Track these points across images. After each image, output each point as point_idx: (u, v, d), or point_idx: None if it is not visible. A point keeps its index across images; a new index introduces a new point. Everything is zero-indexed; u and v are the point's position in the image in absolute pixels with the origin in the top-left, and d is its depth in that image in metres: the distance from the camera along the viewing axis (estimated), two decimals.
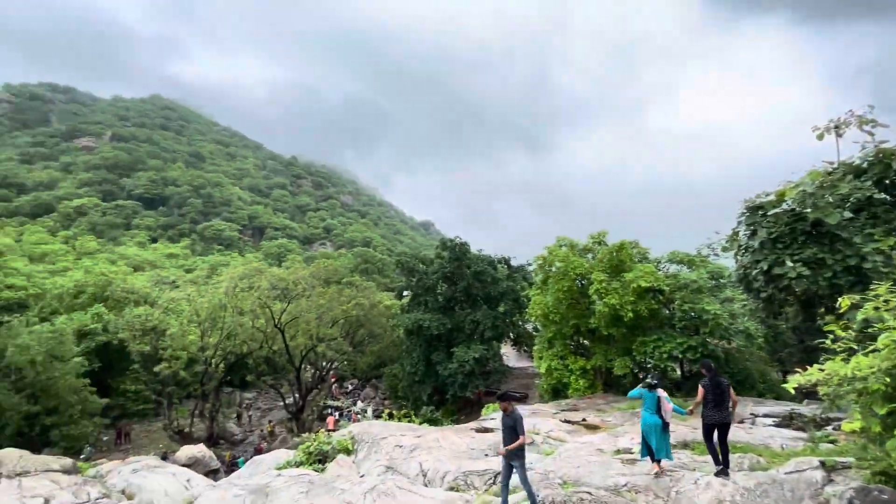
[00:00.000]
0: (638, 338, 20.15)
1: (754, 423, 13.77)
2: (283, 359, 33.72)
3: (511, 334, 35.91)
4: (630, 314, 19.14)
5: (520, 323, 35.11)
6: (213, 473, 17.85)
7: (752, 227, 16.98)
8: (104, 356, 30.99)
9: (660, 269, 22.20)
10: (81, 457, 21.55)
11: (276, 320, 31.68)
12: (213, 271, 70.65)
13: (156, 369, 28.79)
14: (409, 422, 21.27)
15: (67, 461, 12.20)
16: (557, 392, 22.90)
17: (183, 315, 32.65)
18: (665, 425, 8.50)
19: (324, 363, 37.48)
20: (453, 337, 30.53)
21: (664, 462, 8.94)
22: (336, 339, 34.76)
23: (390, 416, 25.55)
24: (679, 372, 21.95)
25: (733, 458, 9.18)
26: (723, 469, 8.21)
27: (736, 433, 11.80)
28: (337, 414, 33.99)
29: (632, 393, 9.06)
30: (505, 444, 7.63)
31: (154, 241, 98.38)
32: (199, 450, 19.87)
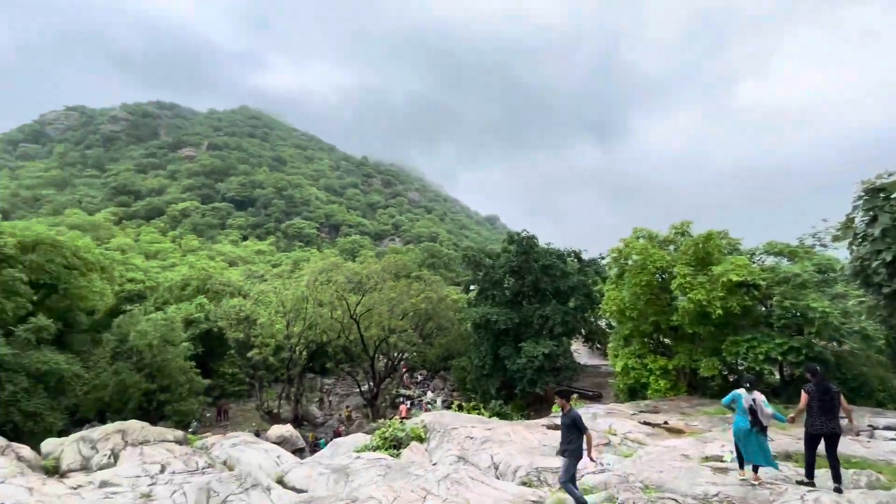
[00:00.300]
0: (728, 337, 18.48)
1: (872, 436, 12.08)
2: (359, 348, 35.45)
3: (583, 330, 34.68)
4: (719, 311, 17.59)
5: (592, 319, 33.81)
6: (299, 452, 19.32)
7: (871, 213, 14.81)
8: (206, 342, 34.63)
9: (754, 262, 20.16)
10: (189, 430, 24.41)
11: (352, 312, 33.37)
12: (295, 266, 76.07)
13: (248, 355, 31.76)
14: (478, 414, 21.42)
15: (179, 433, 13.87)
16: (635, 392, 21.75)
17: (270, 306, 35.52)
18: (762, 430, 7.79)
19: (395, 353, 38.83)
20: (521, 331, 30.12)
21: (767, 472, 8.19)
22: (406, 331, 35.79)
23: (460, 408, 25.91)
24: (778, 376, 19.82)
25: (847, 473, 8.13)
26: (810, 482, 7.61)
27: (850, 446, 10.45)
28: (408, 403, 35.10)
29: (725, 400, 8.42)
30: (563, 444, 7.39)
31: (245, 238, 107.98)
32: (287, 429, 21.56)
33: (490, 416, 20.74)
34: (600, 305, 24.63)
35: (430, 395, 40.53)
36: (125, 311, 31.32)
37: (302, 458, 15.44)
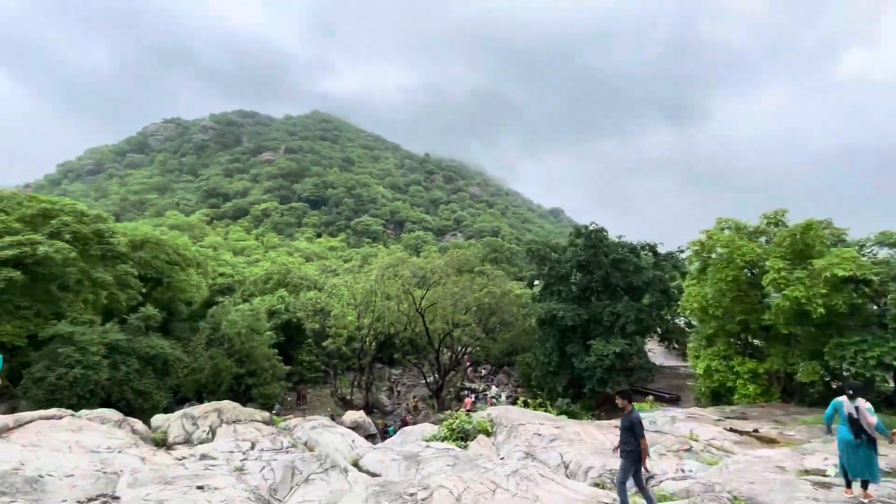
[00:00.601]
0: (832, 338, 16.51)
1: None
2: (424, 341, 36.28)
3: (658, 329, 32.73)
4: (820, 309, 15.74)
5: (668, 317, 31.79)
6: (371, 437, 20.23)
7: None
8: (286, 331, 37.30)
9: (864, 255, 17.77)
10: (273, 412, 26.44)
11: (417, 305, 34.20)
12: (364, 261, 79.42)
13: (324, 344, 33.77)
14: (544, 412, 21.02)
15: (266, 414, 15.10)
16: (718, 396, 20.18)
17: (343, 299, 37.46)
18: (871, 442, 6.92)
19: (459, 347, 39.26)
20: (590, 329, 29.02)
21: (875, 489, 7.27)
22: (470, 325, 36.04)
23: (525, 405, 25.62)
24: (893, 384, 17.38)
25: None
26: None
27: None
28: (473, 396, 35.35)
29: (826, 414, 7.59)
30: (622, 444, 7.25)
31: (319, 235, 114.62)
32: (360, 415, 22.67)
33: (557, 415, 20.28)
34: (678, 302, 23.09)
35: (494, 389, 40.50)
36: (217, 302, 34.56)
37: (374, 443, 16.14)
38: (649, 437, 12.98)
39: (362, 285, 37.28)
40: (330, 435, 13.48)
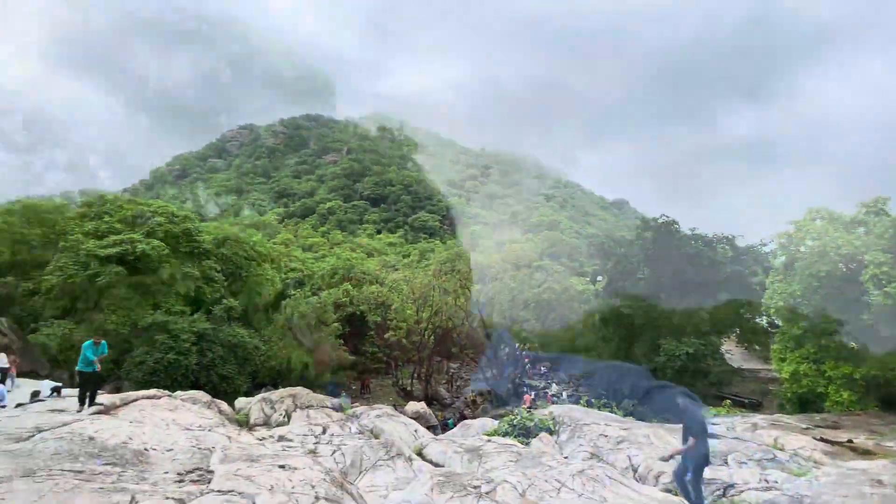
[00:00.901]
0: None
1: None
2: (481, 335, 36.42)
3: (737, 329, 30.37)
4: None
5: (748, 316, 29.38)
6: (432, 429, 20.66)
7: None
8: (351, 323, 39.06)
9: None
10: (340, 399, 27.87)
11: (475, 300, 34.36)
12: (422, 256, 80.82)
13: (385, 336, 34.98)
14: (609, 412, 20.32)
15: (335, 401, 16.01)
16: (806, 403, 18.44)
17: (402, 293, 38.51)
18: None
19: (517, 343, 38.93)
20: (660, 327, 27.57)
21: None
22: (528, 321, 35.60)
23: (589, 404, 24.90)
24: None
25: None
26: None
27: None
28: (532, 393, 34.90)
29: None
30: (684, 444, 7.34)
31: (379, 232, 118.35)
32: (422, 406, 23.25)
33: (624, 416, 19.54)
34: (761, 300, 21.29)
35: (554, 387, 39.70)
36: (289, 295, 36.92)
37: (434, 434, 16.52)
38: (728, 443, 12.18)
39: (420, 280, 38.06)
40: (394, 423, 14.01)
